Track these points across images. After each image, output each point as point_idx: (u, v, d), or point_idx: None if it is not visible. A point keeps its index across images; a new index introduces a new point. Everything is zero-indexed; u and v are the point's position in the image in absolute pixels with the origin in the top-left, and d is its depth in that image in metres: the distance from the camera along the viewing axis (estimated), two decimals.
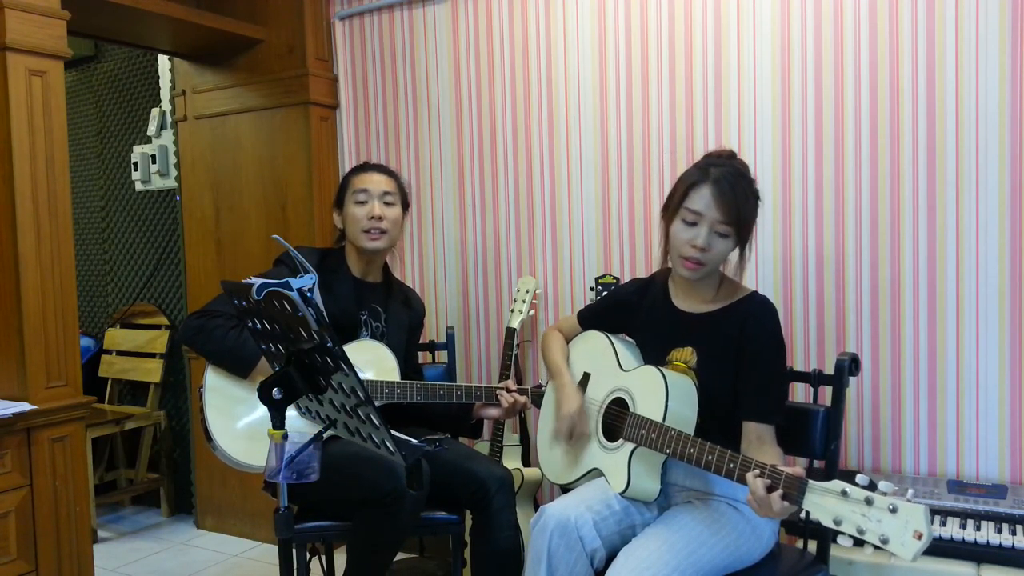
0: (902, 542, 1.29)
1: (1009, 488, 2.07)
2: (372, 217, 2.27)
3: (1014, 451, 2.16)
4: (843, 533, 1.37)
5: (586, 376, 2.03)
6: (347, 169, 2.51)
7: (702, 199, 1.74)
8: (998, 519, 1.95)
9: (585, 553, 1.72)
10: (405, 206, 2.39)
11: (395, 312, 2.37)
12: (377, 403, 2.16)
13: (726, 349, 1.80)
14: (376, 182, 2.31)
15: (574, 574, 1.71)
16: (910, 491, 1.38)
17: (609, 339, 2.00)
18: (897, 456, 2.29)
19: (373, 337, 2.30)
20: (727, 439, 1.75)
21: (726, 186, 1.72)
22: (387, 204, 2.31)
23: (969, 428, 2.21)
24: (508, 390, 2.23)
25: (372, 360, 2.22)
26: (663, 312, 1.92)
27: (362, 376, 2.16)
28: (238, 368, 2.12)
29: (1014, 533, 1.90)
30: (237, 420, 2.10)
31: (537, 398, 2.22)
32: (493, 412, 2.27)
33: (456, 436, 2.39)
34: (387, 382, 2.18)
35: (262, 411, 2.11)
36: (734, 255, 1.82)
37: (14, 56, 2.26)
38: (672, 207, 1.80)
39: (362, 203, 2.29)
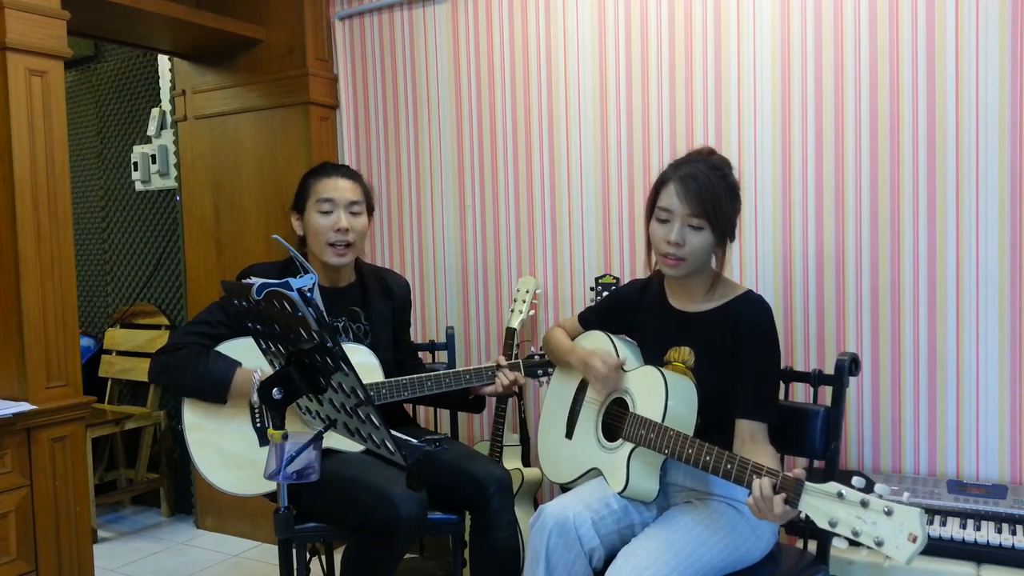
0: (896, 544, 1.29)
1: (1009, 488, 2.07)
2: (338, 230, 2.16)
3: (1014, 451, 2.16)
4: (838, 535, 1.38)
5: None
6: None
7: (670, 196, 1.79)
8: (998, 519, 1.95)
9: (583, 552, 1.72)
10: (371, 212, 2.28)
11: (376, 308, 2.30)
12: None
13: (722, 348, 1.80)
14: (342, 189, 2.19)
15: (572, 573, 1.71)
16: (906, 494, 1.39)
17: (611, 339, 2.00)
18: (897, 456, 2.29)
19: (356, 339, 2.26)
20: (727, 439, 1.75)
21: (692, 181, 1.76)
22: (354, 214, 2.19)
23: (969, 428, 2.21)
24: (499, 366, 2.22)
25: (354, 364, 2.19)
26: (661, 312, 1.92)
27: None
28: (212, 395, 2.06)
29: (1014, 533, 1.90)
30: (222, 453, 2.08)
31: (529, 368, 2.22)
32: (489, 389, 2.23)
33: (458, 411, 2.35)
34: (371, 384, 2.12)
35: (245, 440, 2.10)
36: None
37: (14, 56, 2.26)
38: (648, 208, 1.85)
39: (327, 213, 2.16)
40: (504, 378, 2.21)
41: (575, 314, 2.21)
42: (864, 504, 1.33)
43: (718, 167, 1.81)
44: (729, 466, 1.58)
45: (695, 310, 1.87)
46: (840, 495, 1.37)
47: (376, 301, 2.32)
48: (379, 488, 1.94)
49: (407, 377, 2.16)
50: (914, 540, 1.27)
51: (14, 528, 2.29)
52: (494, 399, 2.55)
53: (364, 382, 2.10)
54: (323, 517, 2.09)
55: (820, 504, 1.40)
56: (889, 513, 1.30)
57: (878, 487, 1.35)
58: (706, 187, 1.76)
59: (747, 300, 1.83)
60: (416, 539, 2.07)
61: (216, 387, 2.05)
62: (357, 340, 2.26)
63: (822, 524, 1.39)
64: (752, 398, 1.77)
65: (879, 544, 1.30)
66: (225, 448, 2.09)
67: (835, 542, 1.39)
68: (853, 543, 1.36)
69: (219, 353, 2.10)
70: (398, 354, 2.35)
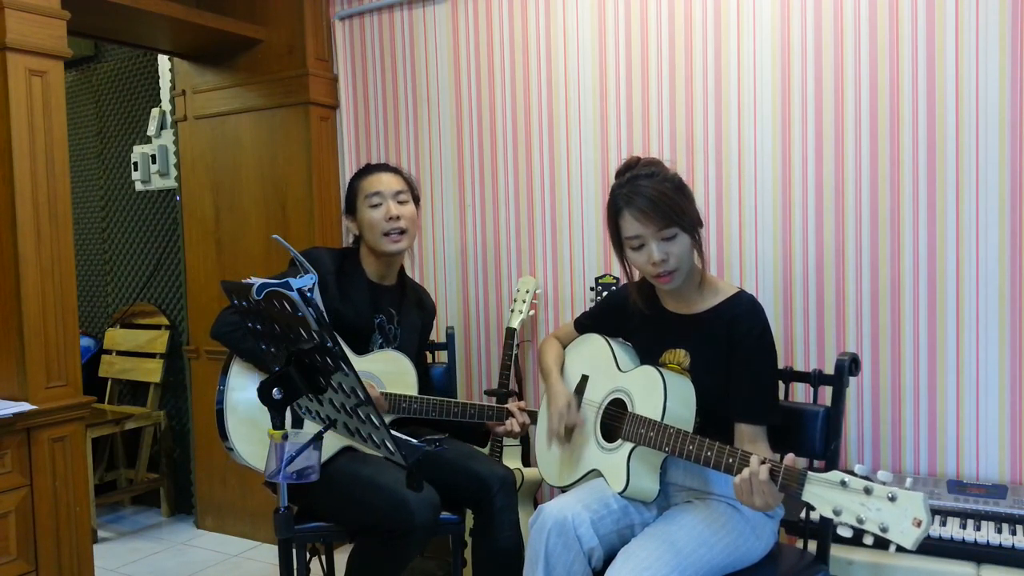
0: (901, 530, 1.29)
1: (1009, 488, 2.07)
2: (390, 218, 2.24)
3: (1014, 451, 2.16)
4: (843, 523, 1.38)
5: (584, 378, 2.03)
6: (348, 170, 2.50)
7: (631, 224, 1.78)
8: (998, 519, 1.95)
9: (583, 552, 1.72)
10: (417, 201, 2.37)
11: (408, 315, 2.37)
12: (393, 416, 2.18)
13: (716, 350, 1.80)
14: (387, 182, 2.29)
15: (571, 573, 1.71)
16: (908, 480, 1.39)
17: (607, 341, 2.00)
18: (897, 456, 2.29)
19: (386, 340, 2.31)
20: (725, 439, 1.75)
21: (640, 200, 1.75)
22: (401, 203, 2.28)
23: (969, 428, 2.21)
24: (521, 409, 2.25)
25: (393, 372, 2.23)
26: (654, 315, 1.92)
27: (382, 389, 2.17)
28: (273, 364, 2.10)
29: (1014, 533, 1.90)
30: (256, 425, 2.09)
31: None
32: (500, 430, 2.27)
33: (461, 439, 2.39)
34: (404, 396, 2.19)
35: None
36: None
37: (14, 56, 2.26)
38: (615, 242, 1.85)
39: (377, 206, 2.25)
40: (515, 424, 2.23)
41: (573, 317, 2.21)
42: (868, 491, 1.34)
43: (653, 173, 1.80)
44: (731, 460, 1.58)
45: (688, 312, 1.87)
46: (843, 483, 1.37)
47: (410, 308, 2.39)
48: (394, 491, 1.95)
49: (437, 399, 2.22)
50: (919, 524, 1.27)
51: (14, 528, 2.29)
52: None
53: (400, 392, 2.17)
54: (331, 515, 2.10)
55: (824, 493, 1.40)
56: (893, 499, 1.30)
57: (880, 474, 1.35)
58: (658, 197, 1.75)
59: (739, 302, 1.83)
60: (426, 543, 2.08)
61: None
62: (387, 341, 2.31)
63: (826, 512, 1.39)
64: (751, 401, 1.77)
65: (884, 530, 1.30)
66: (259, 420, 2.09)
67: (839, 530, 1.39)
68: (858, 530, 1.36)
69: None
70: (417, 367, 2.37)
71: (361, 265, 2.31)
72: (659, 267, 1.77)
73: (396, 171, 2.35)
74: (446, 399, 2.23)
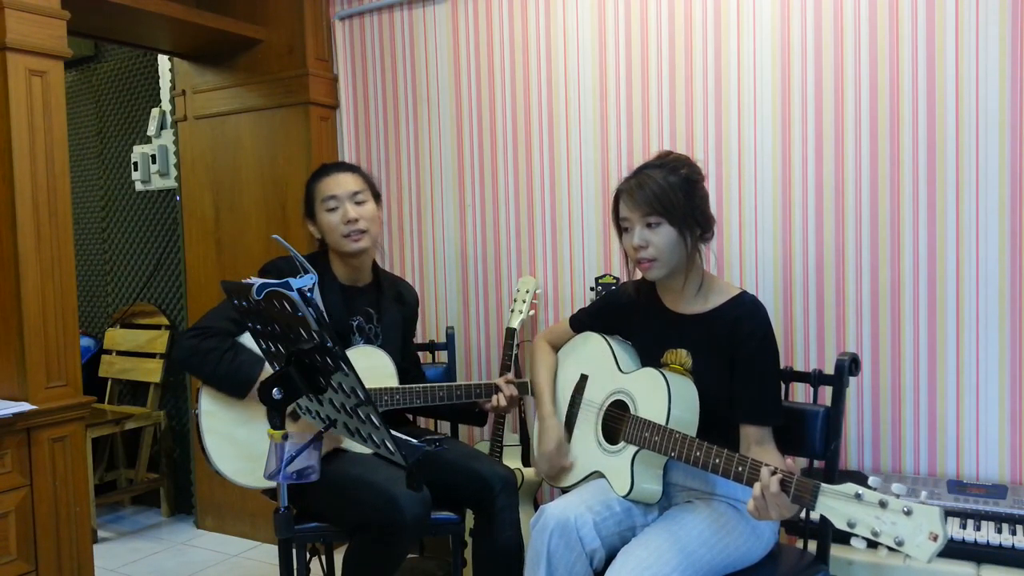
0: (917, 544, 1.29)
1: (1009, 488, 2.07)
2: (348, 221, 2.20)
3: (1014, 451, 2.16)
4: (857, 536, 1.37)
5: (583, 378, 2.02)
6: None
7: (624, 205, 1.84)
8: (998, 519, 1.96)
9: (584, 553, 1.72)
10: (377, 197, 2.32)
11: (388, 312, 2.34)
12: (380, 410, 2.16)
13: (718, 351, 1.80)
14: (343, 183, 2.23)
15: (573, 574, 1.71)
16: (924, 493, 1.38)
17: (607, 340, 2.00)
18: (897, 456, 2.29)
19: (367, 340, 2.28)
20: (725, 441, 1.75)
21: (637, 189, 1.81)
22: (359, 203, 2.23)
23: (969, 428, 2.21)
24: (508, 381, 2.23)
25: (369, 367, 2.20)
26: (655, 313, 1.92)
27: None
28: (234, 391, 2.07)
29: (1014, 533, 1.90)
30: (235, 443, 2.08)
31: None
32: (487, 406, 2.25)
33: (460, 423, 2.37)
34: (385, 389, 2.16)
35: (260, 432, 2.09)
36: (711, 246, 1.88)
37: (14, 56, 2.26)
38: (616, 224, 1.90)
39: (333, 210, 2.21)
40: (502, 398, 2.22)
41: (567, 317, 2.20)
42: (883, 504, 1.33)
43: (666, 164, 1.83)
44: (740, 468, 1.57)
45: (689, 312, 1.87)
46: (858, 496, 1.36)
47: (389, 304, 2.35)
48: (383, 488, 1.94)
49: (420, 386, 2.19)
50: (935, 539, 1.27)
51: (14, 528, 2.29)
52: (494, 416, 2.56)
53: (380, 386, 2.14)
54: (326, 516, 2.09)
55: (838, 505, 1.39)
56: (908, 513, 1.30)
57: (895, 487, 1.35)
58: (652, 188, 1.79)
59: (742, 303, 1.82)
60: (419, 539, 2.07)
61: (239, 385, 2.05)
62: (368, 341, 2.28)
63: (840, 525, 1.38)
64: (756, 403, 1.76)
65: (899, 544, 1.30)
66: (238, 437, 2.09)
67: (853, 542, 1.39)
68: (872, 543, 1.36)
69: (244, 347, 2.09)
70: (403, 361, 2.37)
71: (331, 269, 2.27)
72: (638, 252, 1.81)
73: (352, 169, 2.29)
74: (430, 384, 2.20)
